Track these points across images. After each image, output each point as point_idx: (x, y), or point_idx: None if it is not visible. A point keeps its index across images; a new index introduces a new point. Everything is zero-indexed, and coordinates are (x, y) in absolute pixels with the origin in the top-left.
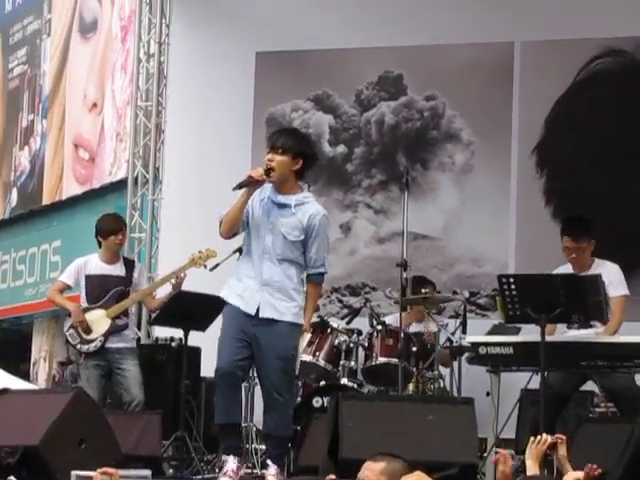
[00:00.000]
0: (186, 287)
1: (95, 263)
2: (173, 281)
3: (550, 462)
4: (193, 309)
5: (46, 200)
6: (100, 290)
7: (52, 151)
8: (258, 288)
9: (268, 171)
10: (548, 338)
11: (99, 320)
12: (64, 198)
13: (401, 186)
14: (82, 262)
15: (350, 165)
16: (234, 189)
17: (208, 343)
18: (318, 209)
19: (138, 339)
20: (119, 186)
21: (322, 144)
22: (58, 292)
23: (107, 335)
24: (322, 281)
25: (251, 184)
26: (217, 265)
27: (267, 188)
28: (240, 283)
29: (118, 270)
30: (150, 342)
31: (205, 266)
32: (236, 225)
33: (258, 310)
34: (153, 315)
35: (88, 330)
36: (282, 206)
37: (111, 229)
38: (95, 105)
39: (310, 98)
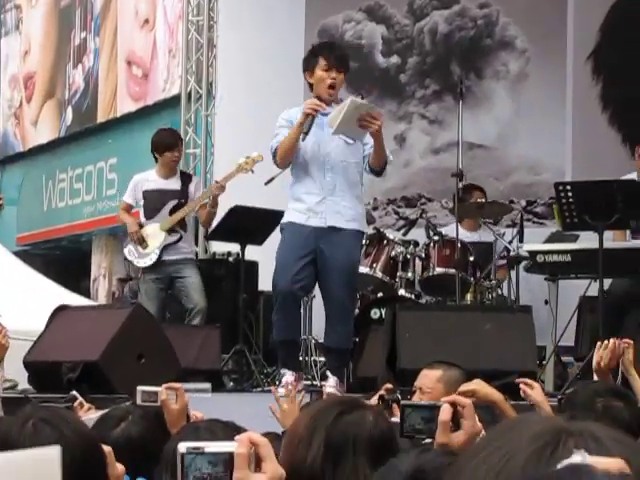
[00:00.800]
0: (241, 201)
1: (152, 179)
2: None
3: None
4: (249, 223)
5: (101, 118)
6: (157, 205)
7: (105, 69)
8: (322, 200)
9: (331, 88)
10: (607, 244)
11: (154, 234)
12: (119, 115)
13: (455, 96)
14: (139, 179)
15: (403, 75)
16: (304, 139)
17: (265, 257)
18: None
19: (213, 254)
20: (173, 102)
21: (375, 55)
22: (124, 211)
23: (162, 248)
24: (387, 161)
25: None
26: (272, 179)
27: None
28: (301, 203)
29: (174, 184)
30: (208, 257)
31: (252, 171)
32: (293, 154)
33: (326, 221)
34: (210, 230)
35: (144, 244)
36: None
37: (167, 144)
38: (147, 21)
39: (362, 9)
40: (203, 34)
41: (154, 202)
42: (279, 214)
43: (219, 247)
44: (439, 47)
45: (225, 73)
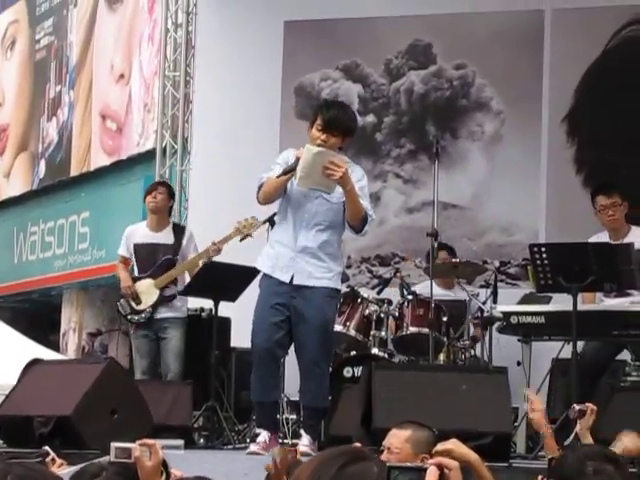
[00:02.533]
0: (215, 258)
1: (143, 231)
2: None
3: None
4: (223, 279)
5: (74, 171)
6: (148, 259)
7: (79, 122)
8: (293, 255)
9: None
10: (580, 307)
11: (148, 290)
12: (92, 169)
13: (430, 155)
14: (130, 231)
15: (379, 134)
16: (278, 176)
17: (238, 313)
18: (358, 169)
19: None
20: (147, 157)
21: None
22: (121, 265)
23: (155, 306)
24: (366, 221)
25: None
26: (246, 235)
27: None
28: (273, 250)
29: (166, 237)
30: None
31: (251, 235)
32: (276, 197)
33: (292, 278)
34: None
35: (138, 300)
36: None
37: (146, 191)
38: (122, 76)
39: (339, 67)
40: (179, 89)
41: (146, 256)
42: (253, 271)
43: (192, 303)
44: (415, 107)
45: (201, 128)
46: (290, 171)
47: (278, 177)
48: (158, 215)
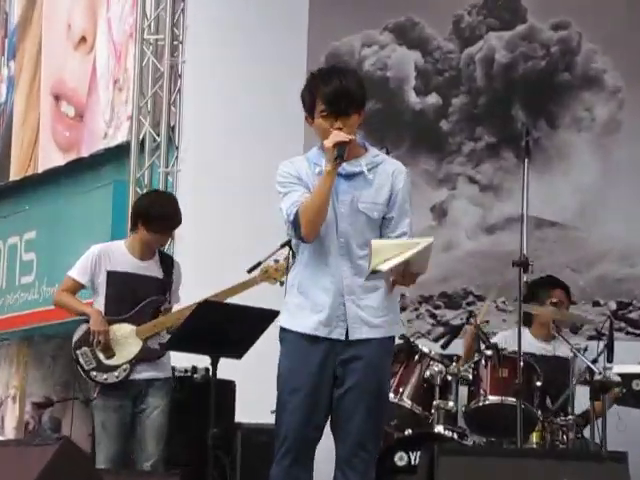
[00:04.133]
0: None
1: (122, 256)
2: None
3: None
4: (224, 327)
5: (15, 174)
6: (128, 296)
7: (23, 105)
8: (341, 300)
9: (343, 149)
10: None
11: (126, 339)
12: (40, 171)
13: (519, 152)
14: (102, 251)
15: (445, 122)
16: (319, 173)
17: (245, 375)
18: (399, 166)
19: (172, 369)
20: (118, 154)
21: (406, 92)
22: (69, 294)
23: (135, 363)
24: None
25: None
26: (259, 264)
27: (313, 156)
28: (308, 300)
29: (154, 269)
30: None
31: (282, 283)
32: (324, 218)
33: (347, 332)
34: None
35: (108, 351)
36: (351, 176)
37: (165, 225)
38: (84, 40)
39: (389, 28)
40: (163, 59)
41: (126, 291)
42: (269, 315)
43: (180, 360)
44: (496, 83)
45: (193, 114)
46: (341, 154)
47: (319, 173)
48: None
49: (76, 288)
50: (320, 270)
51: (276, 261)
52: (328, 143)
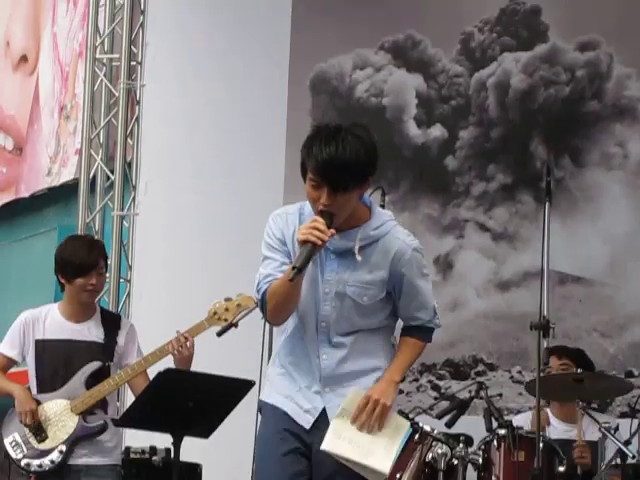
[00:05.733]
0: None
1: (53, 320)
2: (176, 351)
3: None
4: (189, 401)
5: None
6: (62, 367)
7: None
8: (318, 388)
9: (328, 217)
10: None
11: (60, 417)
12: None
13: (538, 194)
14: (31, 318)
15: (452, 159)
16: (291, 278)
17: (213, 458)
18: (404, 241)
19: (127, 450)
20: (64, 194)
21: (405, 123)
22: None
23: (72, 443)
24: (430, 340)
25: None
26: (230, 326)
27: (310, 212)
28: (285, 377)
29: (92, 332)
30: None
31: (235, 325)
32: (294, 307)
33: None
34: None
35: (41, 434)
36: (341, 253)
37: (79, 264)
38: (24, 59)
39: (385, 47)
40: (119, 82)
41: (58, 362)
42: (242, 385)
43: (137, 439)
44: (512, 112)
45: (154, 147)
46: (302, 265)
47: (291, 279)
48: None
49: (6, 364)
50: (300, 350)
51: (227, 299)
52: (299, 235)
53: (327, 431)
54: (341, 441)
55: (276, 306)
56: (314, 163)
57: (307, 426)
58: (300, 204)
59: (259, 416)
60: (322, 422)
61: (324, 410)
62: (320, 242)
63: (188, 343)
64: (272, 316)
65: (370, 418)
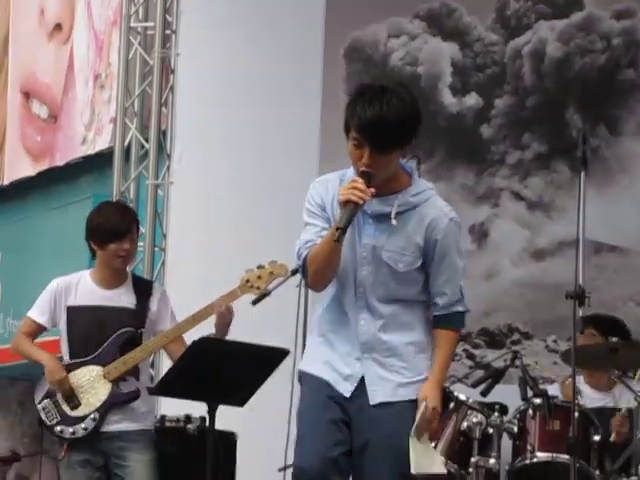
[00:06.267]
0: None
1: (85, 287)
2: (218, 315)
3: None
4: (224, 370)
5: None
6: (93, 333)
7: None
8: (358, 355)
9: (367, 177)
10: None
11: (92, 384)
12: (6, 183)
13: (574, 163)
14: (63, 285)
15: (487, 127)
16: (338, 239)
17: (248, 426)
18: (441, 210)
19: (162, 418)
20: (99, 163)
21: (440, 91)
22: (27, 337)
23: (105, 410)
24: (462, 325)
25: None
26: (264, 296)
27: (351, 177)
28: (325, 346)
29: (124, 298)
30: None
31: (268, 293)
32: (334, 271)
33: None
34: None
35: (73, 401)
36: (379, 217)
37: (112, 230)
38: (59, 28)
39: (420, 15)
40: (153, 51)
41: (89, 329)
42: (277, 354)
43: (171, 408)
44: (547, 81)
45: (188, 116)
46: (346, 224)
47: (336, 239)
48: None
49: (36, 330)
50: (339, 317)
51: (260, 267)
52: (340, 196)
53: (411, 454)
54: (425, 459)
55: (317, 270)
56: (357, 122)
57: (347, 394)
58: (341, 172)
59: (297, 385)
60: (361, 390)
61: (362, 379)
62: (361, 201)
63: (224, 308)
64: (313, 281)
65: (431, 427)
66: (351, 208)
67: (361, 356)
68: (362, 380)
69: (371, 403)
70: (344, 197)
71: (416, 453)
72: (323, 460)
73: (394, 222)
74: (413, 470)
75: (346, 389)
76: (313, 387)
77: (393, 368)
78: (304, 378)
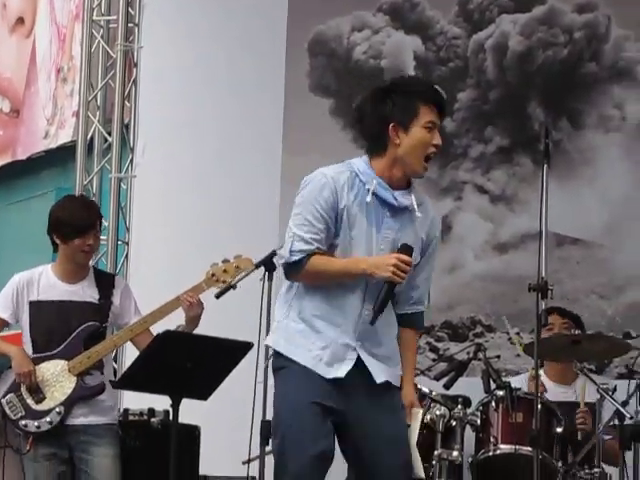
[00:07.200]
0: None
1: (47, 282)
2: (187, 307)
3: None
4: (188, 363)
5: None
6: (57, 328)
7: None
8: (353, 343)
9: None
10: None
11: (57, 378)
12: None
13: (536, 157)
14: (24, 280)
15: (450, 121)
16: (372, 322)
17: (212, 419)
18: (432, 208)
19: (125, 412)
20: (62, 156)
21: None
22: None
23: (70, 404)
24: (423, 327)
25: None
26: (227, 289)
27: (363, 173)
28: (311, 332)
29: (87, 292)
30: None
31: (234, 287)
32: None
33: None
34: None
35: (38, 394)
36: (399, 210)
37: (77, 225)
38: (21, 21)
39: (383, 8)
40: (116, 44)
41: (53, 323)
42: (241, 347)
43: (133, 401)
44: (510, 74)
45: (151, 109)
46: (380, 310)
47: (371, 322)
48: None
49: (1, 325)
50: (330, 303)
51: (225, 261)
52: (385, 273)
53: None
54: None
55: (316, 281)
56: (434, 103)
57: (342, 374)
58: (344, 165)
59: (260, 378)
60: (356, 372)
61: (356, 363)
62: (401, 280)
63: (196, 299)
64: (306, 282)
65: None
66: (390, 288)
67: (355, 344)
68: (356, 364)
69: (378, 381)
70: (390, 276)
71: (416, 458)
72: (319, 466)
73: (419, 214)
74: (419, 474)
75: (342, 370)
76: (303, 382)
77: (379, 358)
78: (291, 366)
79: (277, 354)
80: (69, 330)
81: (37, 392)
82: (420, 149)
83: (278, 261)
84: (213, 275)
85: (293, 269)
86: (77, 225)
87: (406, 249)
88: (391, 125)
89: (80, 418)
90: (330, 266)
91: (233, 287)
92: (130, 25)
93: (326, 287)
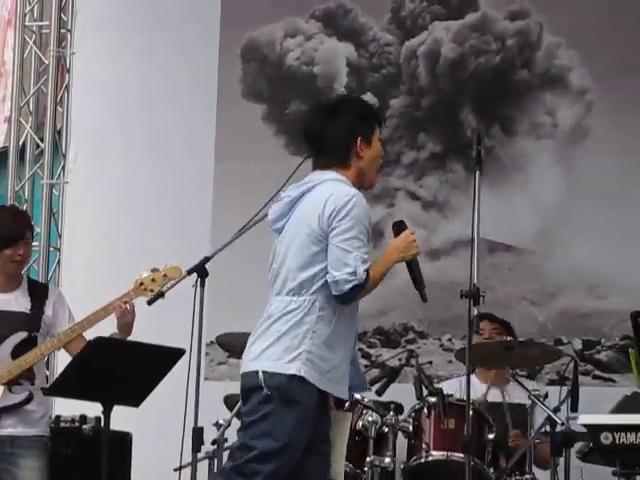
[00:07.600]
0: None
1: None
2: (117, 316)
3: None
4: (119, 370)
5: None
6: None
7: None
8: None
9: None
10: None
11: None
12: None
13: (468, 163)
14: None
15: (383, 127)
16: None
17: (144, 426)
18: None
19: (57, 418)
20: None
21: (336, 92)
22: None
23: None
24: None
25: None
26: (156, 298)
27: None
28: (338, 357)
29: (19, 301)
30: None
31: (162, 295)
32: None
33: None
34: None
35: None
36: None
37: (6, 236)
38: None
39: (316, 15)
40: (48, 50)
41: None
42: (173, 353)
43: (66, 408)
44: (442, 81)
45: (84, 115)
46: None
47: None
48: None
49: None
50: (347, 331)
51: (154, 270)
52: (409, 254)
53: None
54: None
55: (369, 291)
56: (379, 120)
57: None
58: (347, 182)
59: (192, 384)
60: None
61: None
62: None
63: (128, 306)
64: (363, 295)
65: None
66: (417, 261)
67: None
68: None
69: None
70: (418, 251)
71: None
72: None
73: None
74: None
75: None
76: (311, 401)
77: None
78: (301, 388)
79: (300, 379)
80: (0, 339)
81: None
82: (377, 161)
83: (343, 286)
84: (141, 284)
85: (360, 289)
86: (7, 236)
87: (400, 224)
88: (359, 138)
89: (9, 429)
90: (379, 272)
91: (162, 295)
92: (63, 31)
93: (343, 316)
